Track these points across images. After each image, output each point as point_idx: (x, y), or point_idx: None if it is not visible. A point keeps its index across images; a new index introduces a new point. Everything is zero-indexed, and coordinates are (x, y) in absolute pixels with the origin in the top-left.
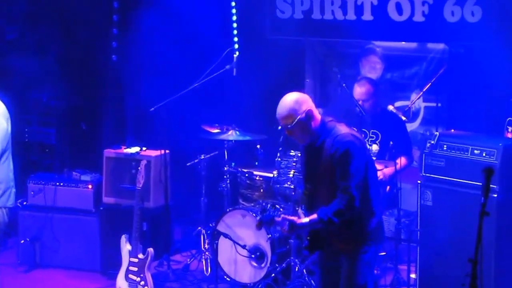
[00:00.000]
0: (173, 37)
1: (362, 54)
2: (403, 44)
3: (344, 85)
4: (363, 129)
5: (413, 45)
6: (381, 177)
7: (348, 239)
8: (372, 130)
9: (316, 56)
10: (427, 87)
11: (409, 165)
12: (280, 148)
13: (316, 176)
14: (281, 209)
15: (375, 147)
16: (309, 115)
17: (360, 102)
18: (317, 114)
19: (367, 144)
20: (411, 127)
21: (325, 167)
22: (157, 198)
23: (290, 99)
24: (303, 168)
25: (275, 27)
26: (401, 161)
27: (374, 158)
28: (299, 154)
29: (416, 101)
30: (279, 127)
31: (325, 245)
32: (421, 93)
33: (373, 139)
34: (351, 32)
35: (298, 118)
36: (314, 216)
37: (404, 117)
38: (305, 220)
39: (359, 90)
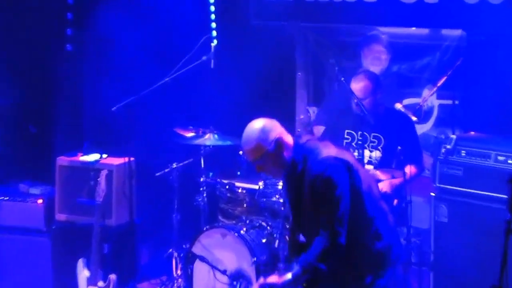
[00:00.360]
0: (140, 23)
1: (364, 43)
2: (413, 30)
3: (342, 79)
4: (364, 132)
5: (424, 31)
6: (385, 189)
7: (351, 273)
8: (374, 134)
9: (309, 46)
10: (442, 81)
11: (419, 174)
12: None
13: (300, 210)
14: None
15: (376, 154)
16: (279, 144)
17: (355, 101)
18: (289, 139)
19: (357, 164)
20: (422, 128)
21: (308, 199)
22: (121, 214)
23: (253, 129)
24: (286, 201)
25: (260, 11)
26: (411, 169)
27: (372, 168)
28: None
29: (429, 98)
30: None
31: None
32: (435, 88)
33: (374, 144)
34: (351, 16)
35: (265, 150)
36: (296, 268)
37: (415, 117)
38: (287, 276)
39: (355, 86)
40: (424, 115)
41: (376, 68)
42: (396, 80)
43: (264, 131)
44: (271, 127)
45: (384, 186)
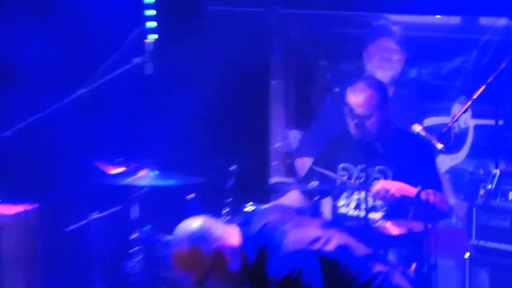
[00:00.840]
0: (44, 19)
1: (369, 37)
2: (437, 19)
3: (337, 89)
4: (366, 166)
5: (455, 20)
6: (392, 191)
7: None
8: (380, 167)
9: (289, 41)
10: (480, 91)
11: (444, 216)
12: (230, 199)
13: None
14: None
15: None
16: (219, 258)
17: (355, 121)
18: (234, 239)
19: (347, 248)
20: (452, 160)
21: None
22: None
23: (179, 247)
24: None
25: None
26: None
27: (380, 218)
28: (262, 207)
29: (462, 116)
30: (233, 167)
31: None
32: (470, 102)
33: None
34: (350, 1)
35: (203, 273)
36: None
37: (440, 143)
38: None
39: (354, 100)
40: (454, 141)
41: (385, 74)
42: (415, 90)
43: (194, 247)
44: (203, 234)
45: (391, 186)
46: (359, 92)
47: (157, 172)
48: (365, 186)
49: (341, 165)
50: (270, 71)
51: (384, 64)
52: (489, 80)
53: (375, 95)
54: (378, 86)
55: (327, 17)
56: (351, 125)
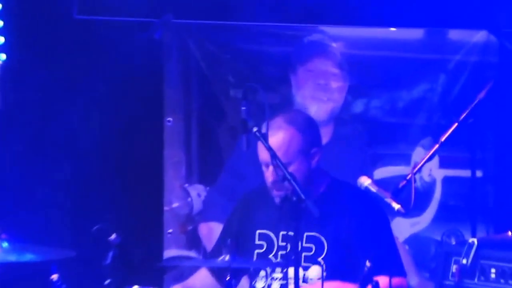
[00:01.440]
0: None
1: (298, 58)
2: (393, 33)
3: (255, 129)
4: (290, 233)
5: (416, 34)
6: None
7: None
8: (309, 234)
9: (189, 63)
10: (450, 131)
11: None
12: (108, 280)
13: None
14: None
15: (313, 273)
16: None
17: (269, 168)
18: None
19: None
20: (414, 226)
21: None
22: None
23: None
24: None
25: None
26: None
27: None
28: None
29: (425, 165)
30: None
31: None
32: (436, 146)
33: (310, 253)
34: (272, 8)
35: None
36: None
37: (397, 203)
38: None
39: (271, 141)
40: (416, 200)
41: (321, 107)
42: (362, 130)
43: None
44: None
45: None
46: (275, 130)
47: (6, 244)
48: (287, 260)
49: (258, 232)
50: (165, 104)
51: (319, 94)
52: (462, 116)
53: (296, 136)
54: (303, 124)
55: (240, 30)
56: (268, 176)
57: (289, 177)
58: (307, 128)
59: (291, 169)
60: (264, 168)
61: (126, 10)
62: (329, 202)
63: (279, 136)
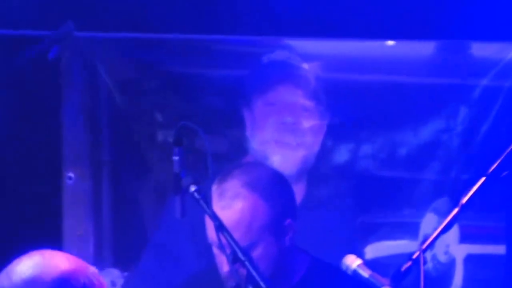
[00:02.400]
0: None
1: (254, 84)
2: (390, 48)
3: (193, 189)
4: None
5: (425, 49)
6: None
7: None
8: None
9: (98, 95)
10: (475, 191)
11: None
12: None
13: None
14: None
15: None
16: None
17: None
18: None
19: None
20: None
21: None
22: None
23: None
24: None
25: None
26: None
27: None
28: None
29: (440, 239)
30: None
31: None
32: (455, 211)
33: None
34: (217, 17)
35: None
36: None
37: None
38: None
39: (222, 214)
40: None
41: (288, 157)
42: (348, 189)
43: None
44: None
45: None
46: (230, 199)
47: None
48: None
49: None
50: (64, 154)
51: (285, 136)
52: (492, 168)
53: (260, 206)
54: (269, 186)
55: (171, 46)
56: (221, 262)
57: (242, 257)
58: (276, 191)
59: (256, 253)
60: (215, 250)
61: (5, 19)
62: None
63: (235, 208)
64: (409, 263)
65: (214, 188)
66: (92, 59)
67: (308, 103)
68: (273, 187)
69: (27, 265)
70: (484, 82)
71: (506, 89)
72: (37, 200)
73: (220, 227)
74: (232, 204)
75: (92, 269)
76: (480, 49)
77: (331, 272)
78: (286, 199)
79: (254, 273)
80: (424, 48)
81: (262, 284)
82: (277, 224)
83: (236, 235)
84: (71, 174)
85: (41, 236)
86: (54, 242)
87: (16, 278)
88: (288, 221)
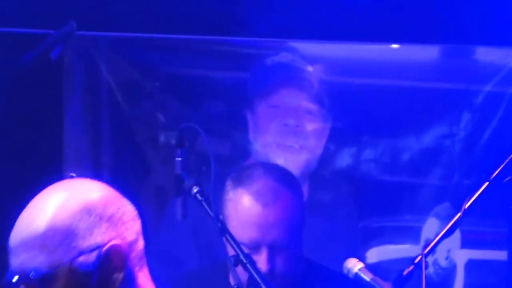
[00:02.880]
0: None
1: (256, 87)
2: (394, 50)
3: (195, 190)
4: None
5: (429, 53)
6: None
7: None
8: None
9: (100, 96)
10: (477, 196)
11: None
12: None
13: None
14: None
15: None
16: (112, 260)
17: (263, 252)
18: (141, 272)
19: None
20: None
21: None
22: None
23: (63, 207)
24: None
25: None
26: None
27: None
28: None
29: (441, 244)
30: None
31: None
32: (458, 216)
33: None
34: (221, 18)
35: (65, 264)
36: None
37: None
38: None
39: (268, 214)
40: None
41: (291, 159)
42: (350, 192)
43: (77, 219)
44: (98, 211)
45: None
46: (272, 196)
47: None
48: None
49: None
50: (65, 153)
51: (288, 139)
52: (495, 174)
53: (298, 203)
54: (298, 185)
55: (174, 48)
56: (261, 262)
57: (244, 260)
58: (301, 189)
59: (288, 252)
60: (252, 251)
61: (8, 17)
62: None
63: (279, 204)
64: (411, 267)
65: (241, 184)
66: (94, 59)
67: (311, 106)
68: (299, 185)
69: (55, 194)
70: (488, 87)
71: (509, 95)
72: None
73: (223, 229)
74: (275, 201)
75: (125, 202)
76: (485, 54)
77: (325, 274)
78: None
79: (256, 277)
80: (428, 52)
81: (264, 287)
82: (301, 224)
83: (278, 232)
84: (73, 174)
85: None
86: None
87: (44, 208)
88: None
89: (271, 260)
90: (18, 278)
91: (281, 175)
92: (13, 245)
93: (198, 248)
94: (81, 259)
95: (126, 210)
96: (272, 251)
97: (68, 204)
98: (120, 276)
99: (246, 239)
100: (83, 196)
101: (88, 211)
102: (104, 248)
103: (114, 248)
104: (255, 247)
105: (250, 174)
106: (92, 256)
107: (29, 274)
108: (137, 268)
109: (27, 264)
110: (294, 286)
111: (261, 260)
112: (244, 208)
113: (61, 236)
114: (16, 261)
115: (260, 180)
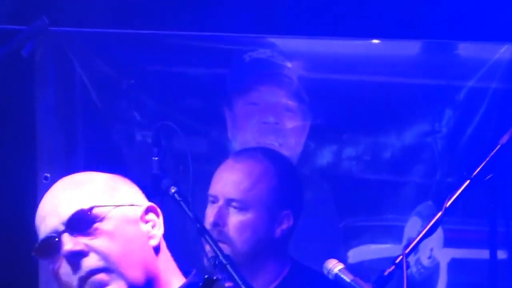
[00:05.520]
0: None
1: (234, 84)
2: (375, 46)
3: (173, 190)
4: None
5: (410, 48)
6: None
7: None
8: None
9: (73, 94)
10: (459, 193)
11: None
12: None
13: None
14: None
15: None
16: (153, 216)
17: (214, 205)
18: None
19: None
20: None
21: None
22: None
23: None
24: None
25: None
26: None
27: None
28: None
29: (423, 243)
30: None
31: None
32: (439, 214)
33: None
34: (197, 13)
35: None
36: None
37: None
38: None
39: (235, 168)
40: None
41: None
42: (330, 191)
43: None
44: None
45: None
46: (244, 157)
47: None
48: None
49: None
50: (38, 153)
51: (267, 137)
52: (476, 171)
53: (271, 174)
54: (285, 166)
55: (150, 44)
56: (208, 213)
57: (224, 261)
58: (290, 174)
59: (244, 217)
60: (209, 204)
61: None
62: None
63: (248, 163)
64: (392, 267)
65: (230, 160)
66: (67, 56)
67: (291, 103)
68: (289, 169)
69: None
70: (470, 83)
71: (492, 91)
72: (13, 201)
73: (202, 230)
74: (245, 160)
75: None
76: (467, 50)
77: (312, 277)
78: (293, 189)
79: (236, 278)
80: (409, 48)
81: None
82: (277, 204)
83: (237, 188)
84: (47, 174)
85: (18, 237)
86: (32, 243)
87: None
88: (287, 211)
89: (220, 213)
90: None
91: (270, 152)
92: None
93: (182, 246)
94: (129, 208)
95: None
96: (226, 207)
97: (100, 175)
98: (160, 232)
99: (210, 190)
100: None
101: (119, 179)
102: (146, 205)
103: (153, 208)
104: (214, 198)
105: (244, 149)
106: (138, 209)
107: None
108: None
109: (83, 197)
110: (252, 267)
111: (212, 211)
112: (220, 166)
113: (111, 183)
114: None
115: (249, 149)
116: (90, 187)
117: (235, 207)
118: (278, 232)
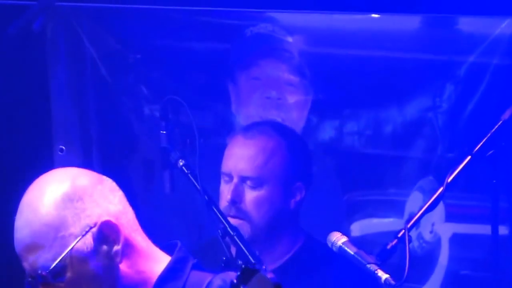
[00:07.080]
0: None
1: (237, 59)
2: (375, 20)
3: (181, 163)
4: None
5: (410, 23)
6: None
7: None
8: None
9: (84, 68)
10: (461, 169)
11: None
12: None
13: None
14: None
15: None
16: (106, 235)
17: (229, 184)
18: (138, 235)
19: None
20: None
21: None
22: None
23: (45, 203)
24: None
25: None
26: None
27: None
28: None
29: (425, 218)
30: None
31: None
32: (441, 189)
33: None
34: None
35: (66, 254)
36: None
37: (384, 272)
38: None
39: (247, 146)
40: (412, 267)
41: None
42: (333, 165)
43: (66, 206)
44: (86, 192)
45: None
46: (256, 132)
47: None
48: None
49: None
50: (53, 129)
51: (269, 111)
52: (478, 147)
53: (283, 149)
54: (296, 140)
55: (156, 19)
56: (223, 191)
57: (232, 232)
58: (300, 148)
59: (259, 193)
60: (223, 182)
61: None
62: (302, 272)
63: (259, 139)
64: (395, 241)
65: (239, 136)
66: (77, 31)
67: (292, 78)
68: (299, 142)
69: (32, 195)
70: (471, 58)
71: (493, 66)
72: (29, 174)
73: (209, 202)
74: (256, 136)
75: (99, 177)
76: (467, 24)
77: (323, 251)
78: (304, 162)
79: (243, 247)
80: (410, 22)
81: (251, 259)
82: (289, 178)
83: (251, 165)
84: (62, 147)
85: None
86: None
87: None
88: (298, 183)
89: (236, 191)
90: (33, 279)
91: (279, 126)
92: (19, 252)
93: (186, 221)
94: (79, 244)
95: (104, 184)
96: (241, 184)
97: (47, 200)
98: (119, 247)
99: (223, 168)
100: (58, 187)
101: (68, 198)
102: (95, 228)
103: (104, 224)
104: (228, 175)
105: (253, 124)
106: (88, 238)
107: (39, 272)
108: (133, 235)
109: (35, 265)
110: (292, 260)
111: (228, 189)
112: (231, 142)
113: (53, 230)
114: (26, 265)
115: (259, 123)
116: (34, 227)
117: (250, 185)
118: (292, 204)
